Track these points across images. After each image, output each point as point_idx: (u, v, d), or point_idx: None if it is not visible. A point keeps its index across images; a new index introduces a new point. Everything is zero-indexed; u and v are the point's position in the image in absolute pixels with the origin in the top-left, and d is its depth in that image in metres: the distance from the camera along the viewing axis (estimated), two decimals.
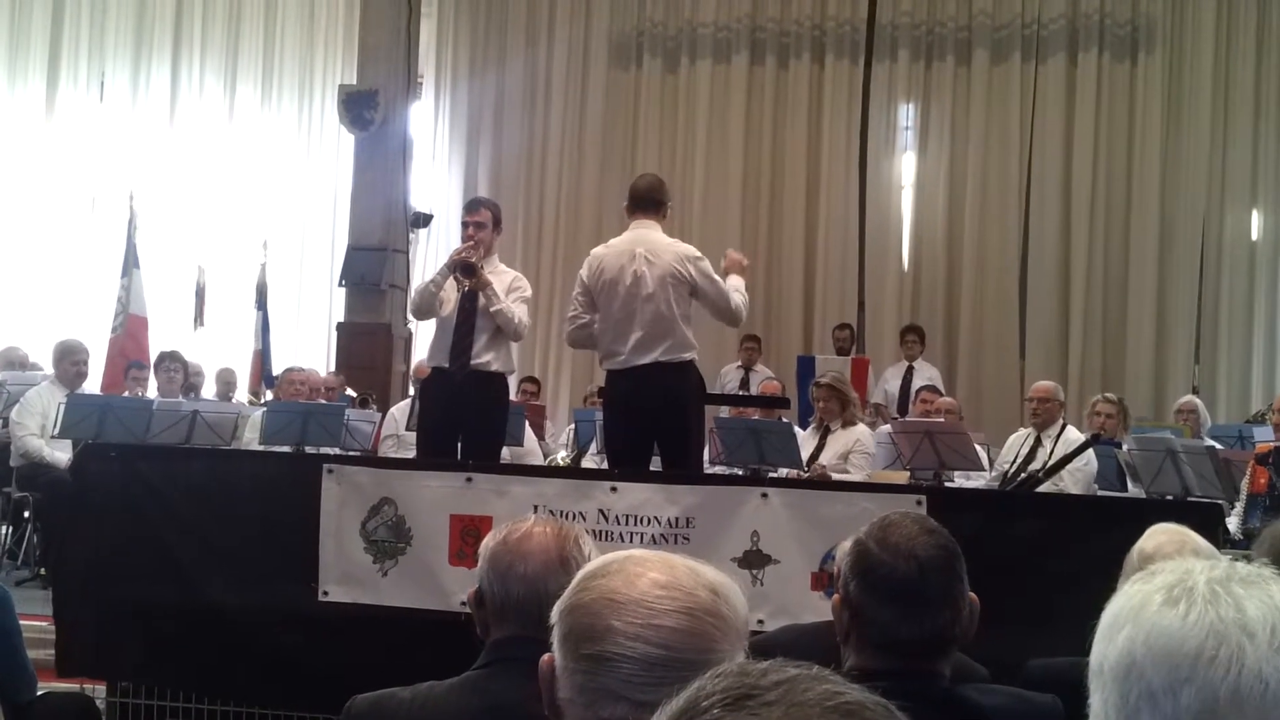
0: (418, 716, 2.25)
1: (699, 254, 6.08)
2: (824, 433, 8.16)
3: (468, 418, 6.44)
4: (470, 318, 6.46)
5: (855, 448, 7.92)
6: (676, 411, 6.00)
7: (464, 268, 6.43)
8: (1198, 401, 9.83)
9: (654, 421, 5.97)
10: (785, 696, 0.90)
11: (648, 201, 6.16)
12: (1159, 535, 3.06)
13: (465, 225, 6.68)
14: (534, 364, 13.80)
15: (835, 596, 2.40)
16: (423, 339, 10.32)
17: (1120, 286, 13.04)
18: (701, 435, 6.35)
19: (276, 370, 12.20)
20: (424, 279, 7.94)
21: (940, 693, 2.26)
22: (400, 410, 8.94)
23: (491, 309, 6.43)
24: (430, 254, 13.77)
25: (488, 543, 2.33)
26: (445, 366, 6.51)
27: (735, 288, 6.18)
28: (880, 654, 2.27)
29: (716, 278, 6.09)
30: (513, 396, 10.62)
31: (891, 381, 11.83)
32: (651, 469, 5.97)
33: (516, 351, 13.31)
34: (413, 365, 10.90)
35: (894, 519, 2.37)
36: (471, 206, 6.84)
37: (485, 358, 6.48)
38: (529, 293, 6.76)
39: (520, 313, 6.54)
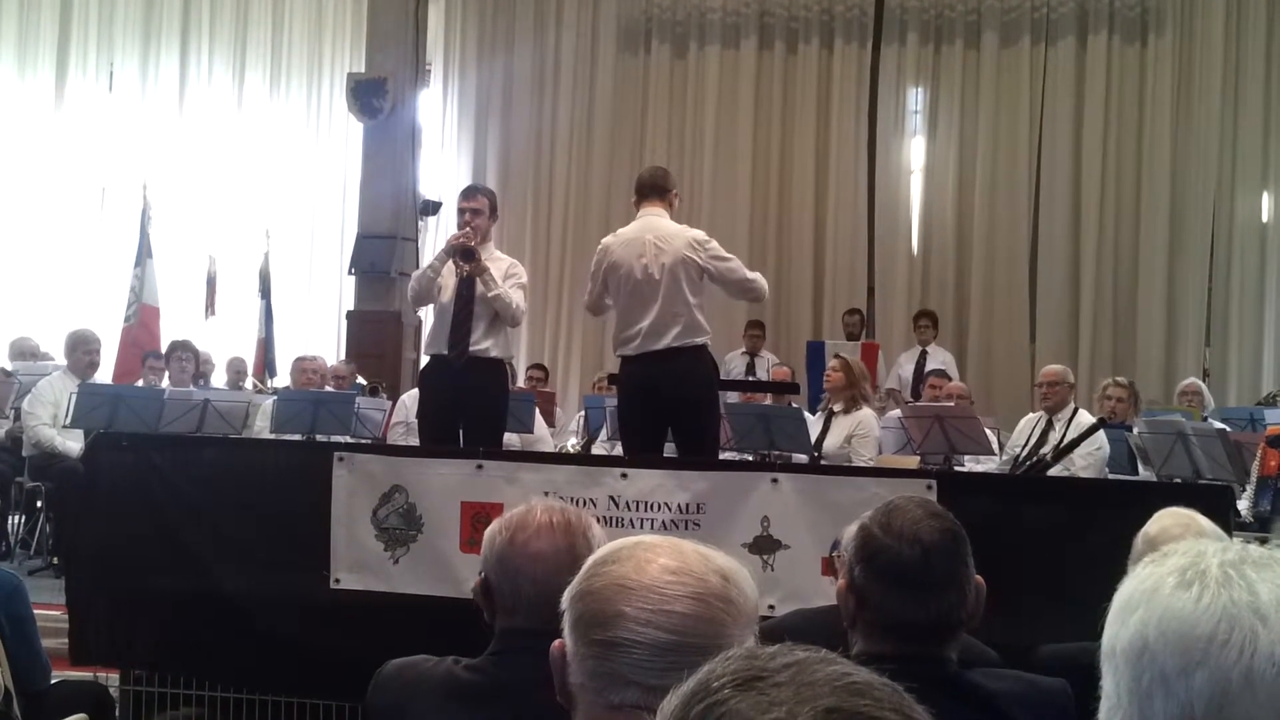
0: (432, 693, 2.27)
1: (707, 237, 6.13)
2: (828, 416, 8.18)
3: (469, 404, 6.46)
4: (468, 304, 6.47)
5: (857, 430, 7.94)
6: (690, 396, 6.04)
7: (463, 252, 6.44)
8: (1200, 384, 9.85)
9: (668, 407, 5.99)
10: (795, 678, 0.91)
11: (651, 189, 6.20)
12: (1164, 519, 3.06)
13: (461, 212, 6.68)
14: (543, 351, 13.82)
15: (840, 582, 2.40)
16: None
17: (1130, 270, 13.01)
18: (717, 419, 6.36)
19: (280, 358, 12.26)
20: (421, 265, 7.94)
21: (947, 676, 2.27)
22: (411, 397, 8.93)
23: (489, 294, 6.44)
24: (439, 241, 13.74)
25: (493, 535, 2.32)
26: (444, 353, 6.52)
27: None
28: (887, 638, 2.27)
29: (727, 255, 6.13)
30: (520, 382, 10.72)
31: (905, 366, 11.83)
32: (665, 455, 5.99)
33: (524, 337, 13.46)
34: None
35: (898, 504, 2.37)
36: (468, 193, 6.85)
37: (484, 344, 6.49)
38: (525, 278, 6.78)
39: (518, 298, 6.55)
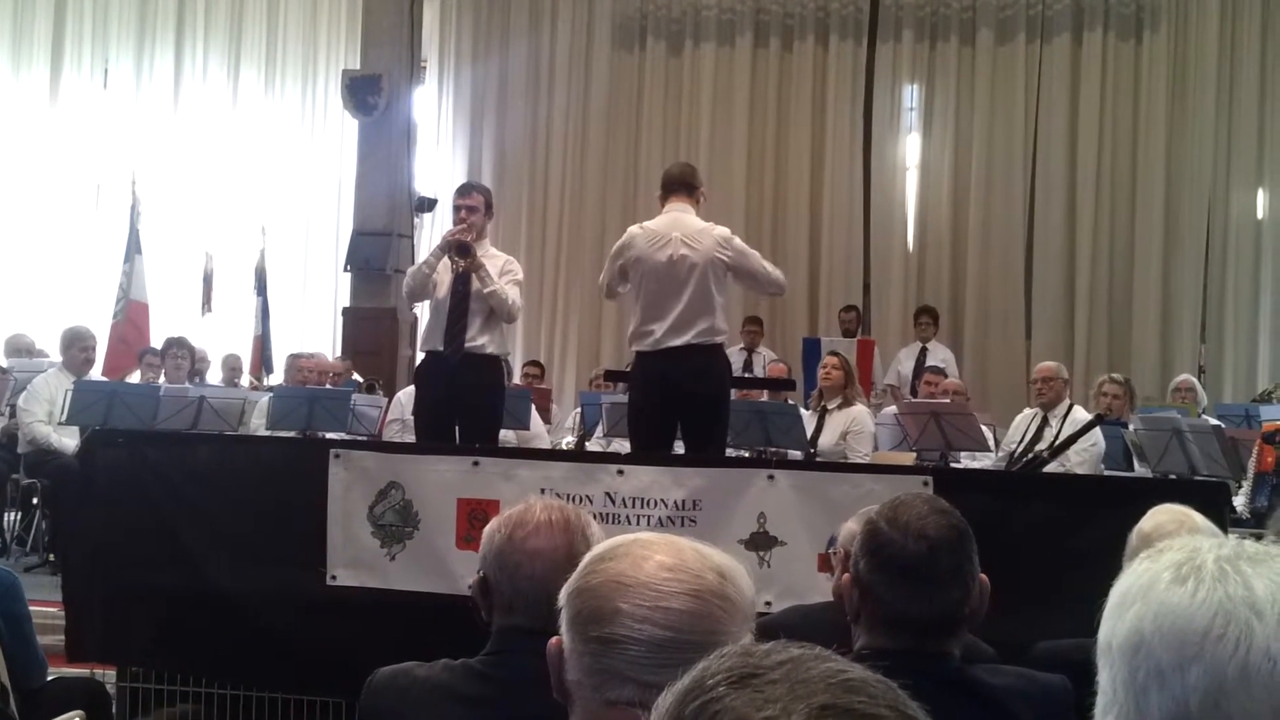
0: (428, 696, 2.26)
1: (731, 234, 6.13)
2: (822, 413, 8.19)
3: (464, 401, 6.45)
4: (464, 301, 6.47)
5: (852, 427, 7.96)
6: (707, 393, 6.03)
7: (459, 248, 6.43)
8: (1194, 380, 9.87)
9: (683, 402, 5.97)
10: (789, 675, 0.91)
11: (679, 185, 6.18)
12: (1159, 515, 3.07)
13: (457, 209, 6.68)
14: (539, 347, 13.81)
15: (845, 576, 2.40)
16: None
17: (1126, 266, 13.03)
18: (727, 418, 6.35)
19: (276, 355, 12.24)
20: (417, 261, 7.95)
21: (950, 672, 2.27)
22: (407, 394, 8.93)
23: (485, 290, 6.43)
24: (435, 238, 13.73)
25: (492, 533, 2.31)
26: (440, 350, 6.52)
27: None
28: (891, 633, 2.28)
29: (749, 250, 6.14)
30: (516, 379, 10.72)
31: (905, 363, 11.80)
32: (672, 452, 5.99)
33: (520, 334, 13.46)
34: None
35: (905, 499, 2.38)
36: (463, 190, 6.84)
37: (479, 340, 6.49)
38: (521, 275, 6.77)
39: (513, 294, 6.55)
